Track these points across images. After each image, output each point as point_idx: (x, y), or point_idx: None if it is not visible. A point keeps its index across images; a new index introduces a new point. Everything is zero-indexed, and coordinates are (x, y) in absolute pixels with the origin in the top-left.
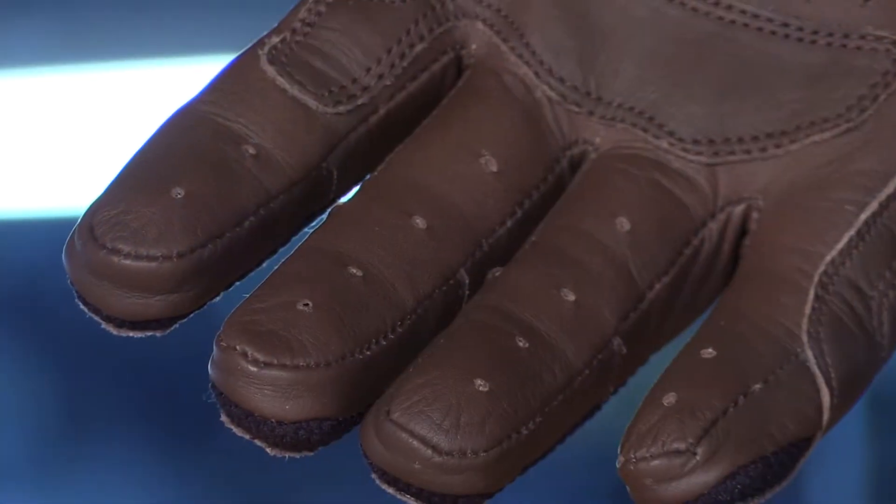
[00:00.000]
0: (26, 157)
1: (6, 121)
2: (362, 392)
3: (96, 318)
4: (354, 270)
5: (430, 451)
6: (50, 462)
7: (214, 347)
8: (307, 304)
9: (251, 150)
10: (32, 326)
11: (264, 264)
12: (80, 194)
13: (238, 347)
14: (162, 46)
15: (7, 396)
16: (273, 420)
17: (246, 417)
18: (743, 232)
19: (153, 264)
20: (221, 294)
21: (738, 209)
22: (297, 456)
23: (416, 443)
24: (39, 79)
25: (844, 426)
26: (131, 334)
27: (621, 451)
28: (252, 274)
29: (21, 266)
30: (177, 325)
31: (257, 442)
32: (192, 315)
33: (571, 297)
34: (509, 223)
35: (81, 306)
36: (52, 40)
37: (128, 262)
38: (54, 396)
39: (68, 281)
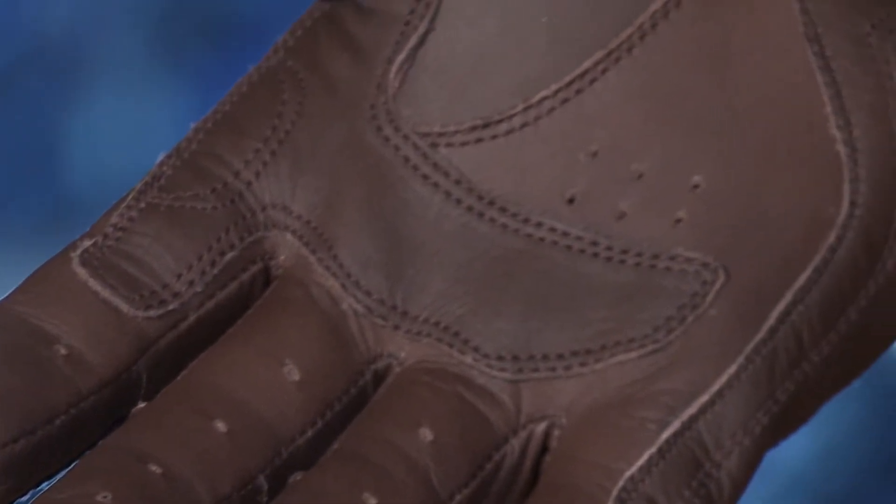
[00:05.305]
0: None
1: None
2: None
3: None
4: (154, 468)
5: None
6: None
7: None
8: (106, 497)
9: (63, 350)
10: None
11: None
12: None
13: None
14: None
15: None
16: None
17: None
18: (545, 448)
19: None
20: (29, 493)
21: (541, 427)
22: None
23: None
24: None
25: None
26: None
27: None
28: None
29: None
30: None
31: None
32: None
33: (373, 502)
34: (310, 433)
35: None
36: None
37: None
38: None
39: None
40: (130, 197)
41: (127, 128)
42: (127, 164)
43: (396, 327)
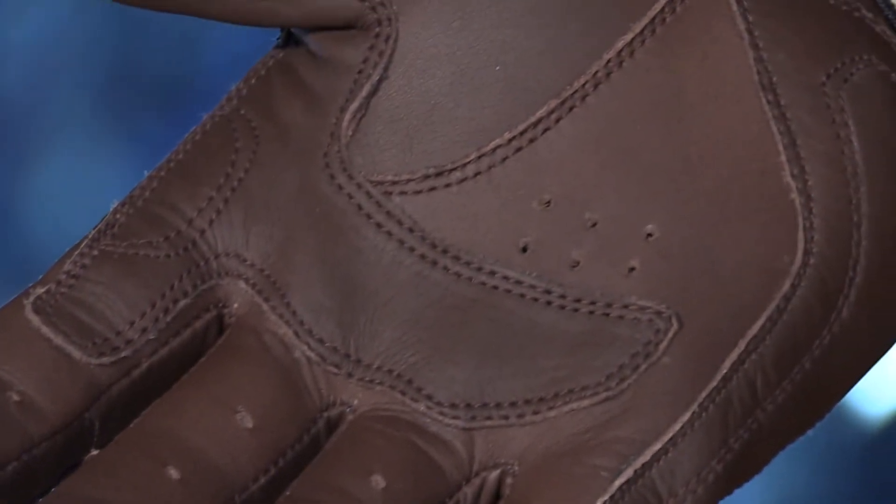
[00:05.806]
0: None
1: None
2: None
3: None
4: None
5: None
6: None
7: None
8: None
9: (15, 397)
10: None
11: None
12: None
13: None
14: None
15: None
16: None
17: None
18: (498, 496)
19: None
20: None
21: (493, 474)
22: None
23: None
24: None
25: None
26: None
27: None
28: None
29: None
30: None
31: None
32: None
33: None
34: (263, 480)
35: None
36: None
37: None
38: None
39: None
40: (84, 244)
41: (80, 189)
42: (81, 225)
43: (349, 375)
